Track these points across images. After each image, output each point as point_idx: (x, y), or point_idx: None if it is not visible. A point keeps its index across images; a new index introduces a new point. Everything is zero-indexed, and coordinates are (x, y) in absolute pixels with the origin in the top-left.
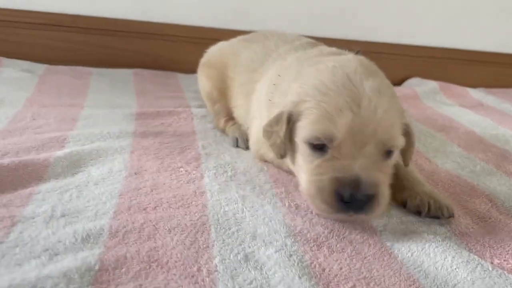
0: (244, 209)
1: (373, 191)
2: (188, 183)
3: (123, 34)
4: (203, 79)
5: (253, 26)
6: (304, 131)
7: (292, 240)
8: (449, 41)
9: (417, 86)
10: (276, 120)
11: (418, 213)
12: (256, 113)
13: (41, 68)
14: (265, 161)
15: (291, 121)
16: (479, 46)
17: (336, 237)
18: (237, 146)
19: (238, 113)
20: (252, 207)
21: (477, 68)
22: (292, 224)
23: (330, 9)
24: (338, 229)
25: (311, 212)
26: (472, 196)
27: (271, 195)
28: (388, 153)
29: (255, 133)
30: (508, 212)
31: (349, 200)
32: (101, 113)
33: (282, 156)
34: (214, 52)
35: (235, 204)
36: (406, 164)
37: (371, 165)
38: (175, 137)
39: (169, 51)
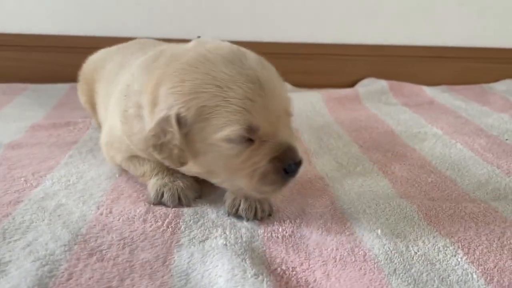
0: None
1: (301, 154)
2: (17, 191)
3: (67, 50)
4: (78, 94)
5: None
6: (221, 130)
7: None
8: (406, 37)
9: (367, 86)
10: (162, 129)
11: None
12: (109, 115)
13: None
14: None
15: (186, 123)
16: (440, 41)
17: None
18: None
19: None
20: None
21: (440, 65)
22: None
23: (267, 12)
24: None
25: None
26: (317, 198)
27: (93, 203)
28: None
29: (105, 136)
30: (343, 213)
31: (292, 169)
32: None
33: (183, 164)
34: (88, 64)
35: (41, 213)
36: None
37: (290, 132)
38: (50, 147)
39: None
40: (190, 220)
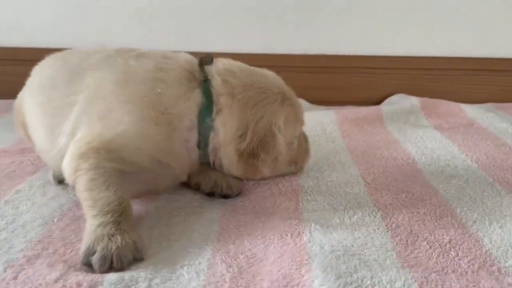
0: None
1: None
2: None
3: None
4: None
5: None
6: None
7: None
8: (444, 47)
9: (394, 104)
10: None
11: (211, 193)
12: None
13: None
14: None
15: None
16: (485, 52)
17: None
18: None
19: (44, 154)
20: None
21: (485, 79)
22: None
23: (287, 23)
24: None
25: None
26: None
27: (4, 262)
28: None
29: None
30: None
31: None
32: None
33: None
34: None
35: None
36: None
37: None
38: (2, 179)
39: None
40: None
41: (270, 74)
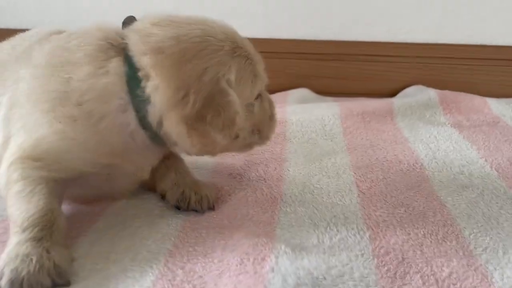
0: None
1: None
2: None
3: None
4: None
5: None
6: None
7: None
8: (468, 34)
9: (409, 97)
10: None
11: (177, 207)
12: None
13: None
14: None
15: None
16: None
17: None
18: None
19: None
20: None
21: None
22: None
23: (293, 6)
24: None
25: None
26: None
27: None
28: None
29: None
30: None
31: None
32: None
33: None
34: None
35: None
36: None
37: None
38: None
39: None
40: None
41: (217, 21)
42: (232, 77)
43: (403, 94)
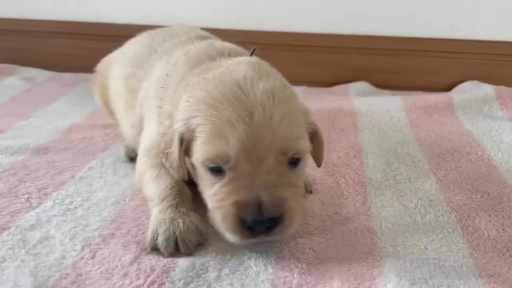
0: None
1: (278, 212)
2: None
3: None
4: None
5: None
6: (198, 153)
7: None
8: None
9: (466, 92)
10: (171, 140)
11: None
12: (147, 115)
13: (46, 75)
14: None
15: (184, 140)
16: None
17: None
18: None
19: (122, 126)
20: None
21: None
22: None
23: (353, 2)
24: None
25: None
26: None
27: (81, 240)
28: (294, 161)
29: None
30: None
31: (253, 225)
32: (37, 124)
33: (183, 180)
34: (105, 59)
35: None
36: (318, 165)
37: (275, 180)
38: (75, 154)
39: None
40: (180, 280)
41: None
42: None
43: (459, 89)
